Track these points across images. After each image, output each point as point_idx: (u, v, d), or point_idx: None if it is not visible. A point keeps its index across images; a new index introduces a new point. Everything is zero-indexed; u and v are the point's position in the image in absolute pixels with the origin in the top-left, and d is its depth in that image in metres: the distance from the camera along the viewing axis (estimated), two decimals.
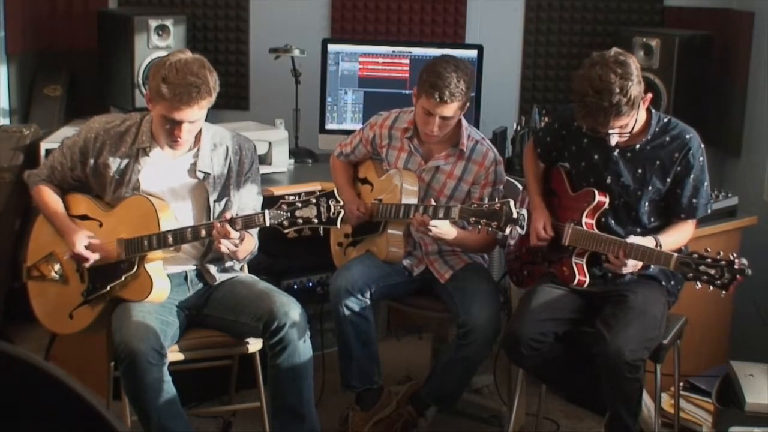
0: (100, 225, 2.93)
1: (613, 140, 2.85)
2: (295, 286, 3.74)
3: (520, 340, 2.90)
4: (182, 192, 2.94)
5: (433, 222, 3.01)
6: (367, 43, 4.24)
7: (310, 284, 3.78)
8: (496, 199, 2.91)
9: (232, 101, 4.58)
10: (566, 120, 3.07)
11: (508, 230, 2.84)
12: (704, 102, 3.96)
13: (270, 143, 3.86)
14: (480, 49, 4.06)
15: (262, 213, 2.71)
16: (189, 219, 2.93)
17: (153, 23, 4.07)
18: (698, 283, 2.67)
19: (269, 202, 2.95)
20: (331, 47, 4.11)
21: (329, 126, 4.14)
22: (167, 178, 2.92)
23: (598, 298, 3.00)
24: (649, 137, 2.93)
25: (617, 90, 2.71)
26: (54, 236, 2.99)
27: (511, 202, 2.83)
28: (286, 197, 2.72)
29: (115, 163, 2.91)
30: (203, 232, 2.78)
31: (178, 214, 2.90)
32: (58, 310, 2.98)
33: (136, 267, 2.82)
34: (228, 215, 2.76)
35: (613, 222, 2.98)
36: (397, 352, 3.70)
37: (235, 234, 2.73)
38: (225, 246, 2.76)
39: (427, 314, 3.47)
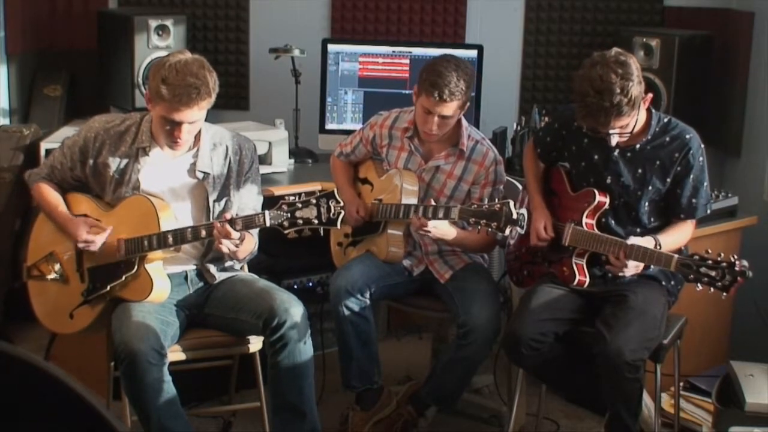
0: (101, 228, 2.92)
1: (614, 140, 2.85)
2: (295, 286, 3.74)
3: (520, 340, 2.90)
4: (182, 192, 2.94)
5: (432, 223, 3.01)
6: (367, 43, 4.24)
7: (310, 284, 3.78)
8: (496, 200, 2.91)
9: (232, 101, 4.58)
10: (566, 120, 3.07)
11: (507, 231, 2.85)
12: (704, 102, 3.96)
13: (270, 143, 3.86)
14: (480, 49, 4.06)
15: (262, 213, 2.71)
16: (189, 219, 2.93)
17: (153, 23, 4.07)
18: (699, 284, 2.67)
19: (269, 202, 2.95)
20: (331, 47, 4.11)
21: (329, 126, 4.14)
22: (167, 178, 2.92)
23: (598, 298, 3.00)
24: (649, 137, 2.93)
25: (618, 90, 2.71)
26: (54, 236, 2.99)
27: (511, 203, 2.83)
28: (286, 198, 2.72)
29: (114, 163, 2.91)
30: (203, 233, 2.78)
31: (177, 214, 2.90)
32: (59, 309, 2.98)
33: (136, 267, 2.82)
34: (228, 215, 2.76)
35: (613, 222, 2.98)
36: (397, 352, 3.70)
37: (235, 234, 2.73)
38: (225, 246, 2.76)
39: (427, 314, 3.47)
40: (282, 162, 3.90)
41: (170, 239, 2.78)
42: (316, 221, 2.68)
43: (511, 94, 4.53)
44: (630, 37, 3.95)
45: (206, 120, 2.90)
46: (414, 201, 3.19)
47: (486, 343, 3.09)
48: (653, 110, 2.94)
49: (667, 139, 2.92)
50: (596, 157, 2.98)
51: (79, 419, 1.04)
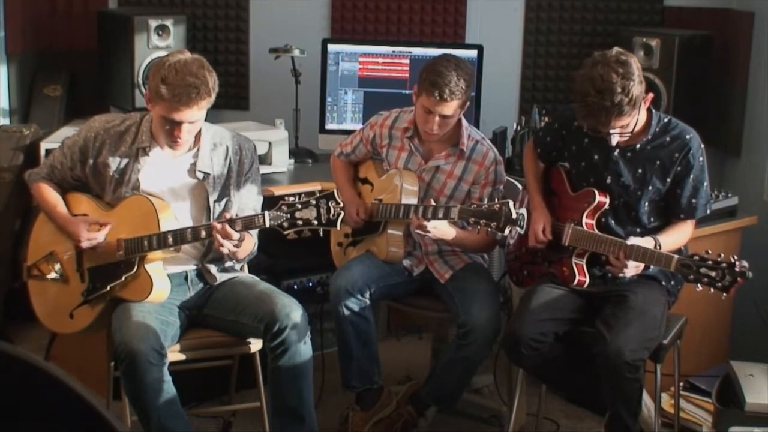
0: (101, 225, 2.92)
1: (614, 140, 2.85)
2: (295, 286, 3.73)
3: (520, 340, 2.90)
4: (182, 192, 2.94)
5: (431, 223, 3.01)
6: (367, 43, 4.24)
7: (310, 284, 3.78)
8: (496, 200, 2.91)
9: (232, 101, 4.58)
10: (566, 120, 3.07)
11: (507, 231, 2.85)
12: (704, 102, 3.96)
13: (270, 143, 3.86)
14: (480, 49, 4.06)
15: (261, 214, 2.71)
16: (189, 219, 2.93)
17: (153, 23, 4.07)
18: (699, 285, 2.67)
19: (269, 202, 2.95)
20: (331, 47, 4.11)
21: (329, 126, 4.14)
22: (167, 178, 2.92)
23: (598, 298, 3.00)
24: (649, 137, 2.93)
25: (619, 90, 2.71)
26: (54, 236, 2.99)
27: (511, 203, 2.83)
28: (286, 198, 2.72)
29: (114, 163, 2.91)
30: (203, 233, 2.78)
31: (178, 214, 2.90)
32: (59, 309, 2.98)
33: (136, 267, 2.82)
34: (228, 216, 2.76)
35: (613, 222, 2.98)
36: (397, 352, 3.70)
37: (235, 235, 2.73)
38: (225, 246, 2.76)
39: (427, 314, 3.47)
40: (282, 162, 3.90)
41: (170, 239, 2.78)
42: (315, 222, 2.68)
43: (511, 94, 4.53)
44: (630, 37, 3.95)
45: (206, 120, 2.90)
46: (414, 201, 3.19)
47: (486, 343, 3.09)
48: (653, 110, 2.94)
49: (667, 139, 2.92)
50: (596, 157, 2.98)
51: (79, 419, 1.04)
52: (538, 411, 3.42)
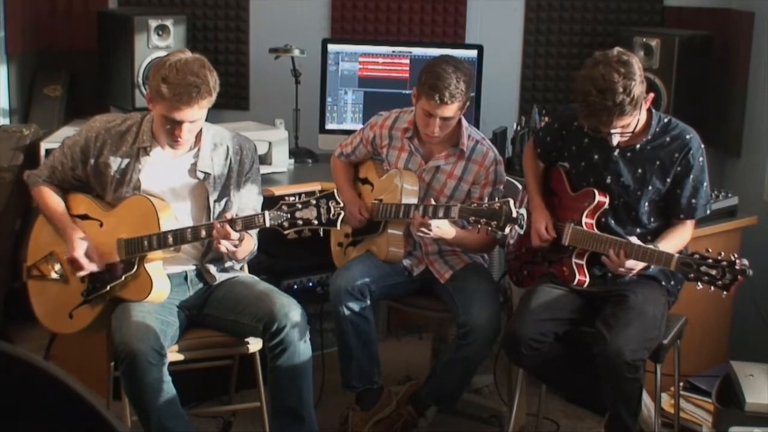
0: (101, 225, 2.93)
1: (615, 140, 2.85)
2: (295, 286, 3.73)
3: (520, 340, 2.90)
4: (182, 192, 2.94)
5: (434, 222, 3.01)
6: (367, 43, 4.24)
7: (310, 284, 3.78)
8: (496, 199, 2.91)
9: (232, 101, 4.58)
10: (566, 120, 3.07)
11: (507, 230, 2.84)
12: (704, 102, 3.96)
13: (270, 143, 3.86)
14: (480, 49, 4.06)
15: (261, 214, 2.71)
16: (189, 219, 2.93)
17: (153, 23, 4.07)
18: (699, 283, 2.67)
19: (269, 202, 2.95)
20: (331, 47, 4.11)
21: (329, 126, 4.14)
22: (168, 178, 2.92)
23: (598, 298, 3.00)
24: (649, 137, 2.93)
25: (620, 89, 2.71)
26: (54, 236, 2.99)
27: (511, 202, 2.83)
28: (286, 198, 2.72)
29: (115, 163, 2.91)
30: (203, 233, 2.78)
31: (178, 214, 2.90)
32: (58, 309, 2.98)
33: (136, 267, 2.82)
34: (228, 216, 2.76)
35: (613, 222, 2.98)
36: (397, 352, 3.70)
37: (234, 234, 2.73)
38: (224, 246, 2.76)
39: (427, 314, 3.47)
40: (282, 162, 3.90)
41: (170, 239, 2.78)
42: (315, 222, 2.68)
43: (511, 94, 4.53)
44: (630, 37, 3.95)
45: (206, 120, 2.90)
46: (414, 201, 3.19)
47: (486, 343, 3.09)
48: (653, 110, 2.94)
49: (667, 139, 2.92)
50: (596, 157, 2.98)
51: (79, 419, 1.04)
52: (538, 411, 3.42)
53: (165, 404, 2.71)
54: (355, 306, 3.13)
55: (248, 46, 4.60)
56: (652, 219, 2.98)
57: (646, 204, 2.96)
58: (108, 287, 2.86)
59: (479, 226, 2.87)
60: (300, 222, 2.68)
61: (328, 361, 3.46)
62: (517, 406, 3.19)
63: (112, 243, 2.86)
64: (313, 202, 2.68)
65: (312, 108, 4.15)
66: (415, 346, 3.75)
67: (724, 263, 2.63)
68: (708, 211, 3.01)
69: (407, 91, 3.84)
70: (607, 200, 2.97)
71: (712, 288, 2.65)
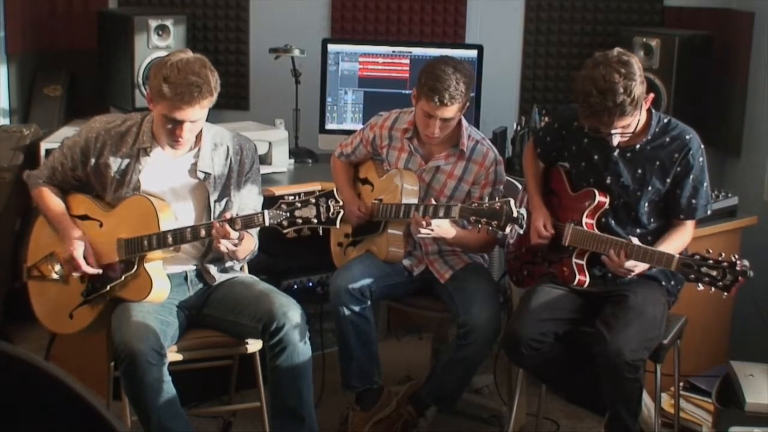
0: (101, 225, 2.93)
1: (616, 140, 2.85)
2: (295, 286, 3.73)
3: (520, 340, 2.90)
4: (183, 192, 2.94)
5: (434, 222, 3.01)
6: (367, 43, 4.24)
7: (310, 284, 3.78)
8: (497, 199, 2.91)
9: (232, 101, 4.58)
10: (566, 120, 3.07)
11: (508, 229, 2.84)
12: (704, 102, 3.96)
13: (270, 143, 3.86)
14: (480, 49, 4.06)
15: (261, 213, 2.71)
16: (189, 219, 2.93)
17: (153, 23, 4.07)
18: (700, 284, 2.67)
19: (269, 202, 2.95)
20: (331, 47, 4.11)
21: (329, 126, 4.14)
22: (168, 178, 2.92)
23: (598, 298, 3.00)
24: (649, 137, 2.93)
25: (621, 90, 2.71)
26: (54, 236, 2.98)
27: (511, 202, 2.83)
28: (286, 197, 2.72)
29: (115, 163, 2.91)
30: (203, 232, 2.78)
31: (178, 214, 2.90)
32: (58, 309, 2.98)
33: (135, 267, 2.82)
34: (228, 215, 2.76)
35: (613, 222, 2.98)
36: (397, 352, 3.70)
37: (234, 234, 2.73)
38: (224, 246, 2.76)
39: (427, 314, 3.47)
40: (282, 162, 3.90)
41: (170, 239, 2.78)
42: (315, 221, 2.68)
43: (511, 94, 4.53)
44: (630, 37, 3.95)
45: (206, 120, 2.90)
46: (414, 201, 3.19)
47: (486, 343, 3.09)
48: (653, 110, 2.94)
49: (667, 139, 2.92)
50: (596, 157, 2.98)
51: (79, 419, 1.04)
52: (538, 411, 3.42)
53: (165, 404, 2.71)
54: (355, 306, 3.13)
55: (248, 46, 4.60)
56: (652, 219, 2.98)
57: (646, 204, 2.96)
58: (108, 287, 2.86)
59: (480, 226, 2.87)
60: (299, 221, 2.68)
61: (328, 361, 3.46)
62: (517, 406, 3.19)
63: (112, 243, 2.86)
64: (313, 200, 2.68)
65: (312, 108, 4.15)
66: (415, 346, 3.75)
67: (725, 264, 2.63)
68: (708, 212, 3.01)
69: (407, 91, 3.84)
70: (607, 200, 2.97)
71: (713, 289, 2.65)
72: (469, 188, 3.25)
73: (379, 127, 3.35)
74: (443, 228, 3.05)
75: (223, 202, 2.95)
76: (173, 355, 2.85)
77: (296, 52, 4.11)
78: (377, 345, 3.27)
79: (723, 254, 2.66)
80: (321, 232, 2.80)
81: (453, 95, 3.03)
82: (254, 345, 2.97)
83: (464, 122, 3.25)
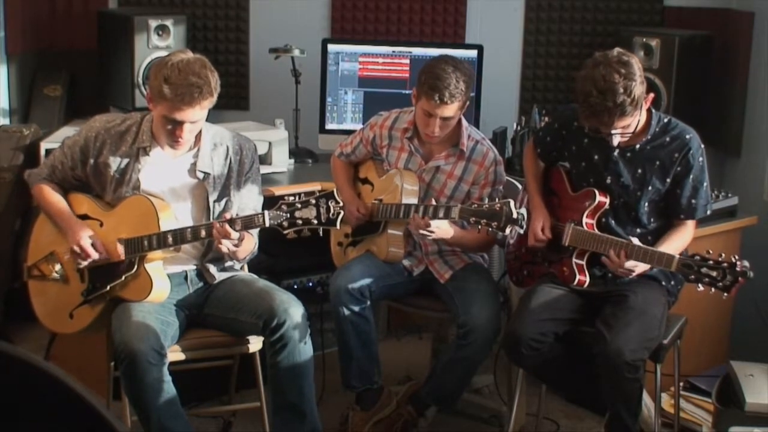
0: (101, 224, 2.93)
1: (616, 140, 2.85)
2: (295, 286, 3.74)
3: (520, 340, 2.90)
4: (182, 192, 2.94)
5: (434, 223, 3.01)
6: (367, 43, 4.24)
7: (310, 284, 3.78)
8: (496, 199, 2.91)
9: (232, 101, 4.58)
10: (566, 120, 3.07)
11: (508, 230, 2.85)
12: (704, 102, 3.96)
13: (270, 143, 3.86)
14: (480, 49, 4.06)
15: (261, 214, 2.71)
16: (189, 219, 2.93)
17: (153, 23, 4.07)
18: (700, 285, 2.67)
19: (269, 202, 2.95)
20: (331, 47, 4.11)
21: (329, 126, 4.14)
22: (167, 178, 2.92)
23: (598, 298, 3.00)
24: (649, 137, 2.93)
25: (621, 90, 2.70)
26: (55, 236, 2.99)
27: (511, 202, 2.83)
28: (286, 198, 2.72)
29: (115, 163, 2.91)
30: (203, 233, 2.78)
31: (178, 214, 2.90)
32: (59, 309, 2.98)
33: (136, 267, 2.82)
34: (228, 215, 2.77)
35: (613, 222, 2.98)
36: (397, 352, 3.70)
37: (234, 234, 2.73)
38: (225, 246, 2.76)
39: (427, 314, 3.47)
40: (282, 162, 3.90)
41: (170, 239, 2.78)
42: (315, 221, 2.68)
43: (511, 94, 4.53)
44: (630, 37, 3.95)
45: (206, 120, 2.90)
46: (414, 201, 3.19)
47: (486, 343, 3.09)
48: (653, 110, 2.94)
49: (667, 139, 2.92)
50: (596, 157, 2.98)
51: (79, 419, 1.04)
52: (538, 411, 3.42)
53: (165, 404, 2.71)
54: (355, 306, 3.13)
55: (248, 46, 4.60)
56: (652, 219, 2.98)
57: (646, 204, 2.96)
58: (108, 287, 2.86)
59: (479, 226, 2.87)
60: (299, 222, 2.68)
61: (328, 361, 3.46)
62: (517, 406, 3.19)
63: (112, 243, 2.86)
64: (313, 201, 2.68)
65: (312, 108, 4.15)
66: (415, 346, 3.74)
67: (725, 265, 2.63)
68: (708, 212, 3.01)
69: (407, 91, 3.84)
70: (607, 200, 2.97)
71: (713, 290, 2.65)
72: (469, 188, 3.25)
73: (379, 127, 3.35)
74: (443, 229, 3.05)
75: (223, 202, 2.95)
76: (174, 355, 2.85)
77: (296, 52, 4.11)
78: (377, 345, 3.27)
79: (723, 255, 2.66)
80: (321, 232, 2.80)
81: (453, 93, 3.03)
82: (255, 344, 2.97)
83: (464, 122, 3.25)
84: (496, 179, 3.25)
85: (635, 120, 2.82)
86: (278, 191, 3.56)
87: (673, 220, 2.98)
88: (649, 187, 2.93)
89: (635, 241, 2.83)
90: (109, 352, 2.87)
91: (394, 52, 4.10)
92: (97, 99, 4.31)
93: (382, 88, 4.10)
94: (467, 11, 4.49)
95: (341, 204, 2.70)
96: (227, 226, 2.72)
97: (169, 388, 2.73)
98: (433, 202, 3.07)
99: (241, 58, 4.61)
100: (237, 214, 2.81)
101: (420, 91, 3.10)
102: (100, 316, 2.89)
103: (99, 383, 2.94)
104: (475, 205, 2.90)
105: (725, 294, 2.65)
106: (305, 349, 2.87)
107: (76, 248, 2.86)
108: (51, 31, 4.52)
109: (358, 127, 3.61)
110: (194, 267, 3.00)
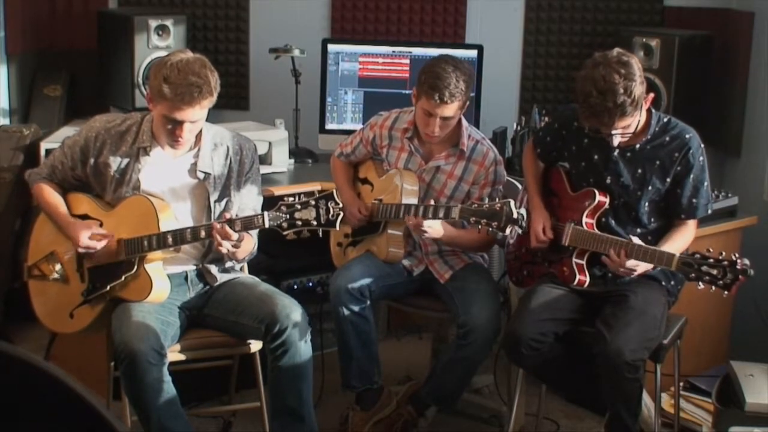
0: (101, 225, 2.93)
1: (616, 141, 2.84)
2: (295, 287, 3.74)
3: (520, 340, 2.90)
4: (182, 192, 2.94)
5: (426, 222, 3.01)
6: (367, 43, 4.24)
7: (310, 284, 3.78)
8: (497, 199, 2.91)
9: (232, 101, 4.58)
10: (566, 120, 3.07)
11: (508, 230, 2.85)
12: (704, 102, 3.96)
13: (270, 143, 3.86)
14: (480, 49, 4.06)
15: (261, 215, 2.71)
16: (189, 219, 2.93)
17: (153, 23, 4.07)
18: (700, 283, 2.67)
19: (269, 202, 2.95)
20: (331, 47, 4.11)
21: (329, 126, 4.14)
22: (168, 178, 2.92)
23: (598, 298, 3.00)
24: (648, 137, 2.93)
25: (621, 91, 2.70)
26: (55, 236, 2.99)
27: (512, 202, 2.83)
28: (286, 199, 2.72)
29: (115, 163, 2.91)
30: (202, 233, 2.78)
31: (178, 214, 2.90)
32: (59, 309, 2.98)
33: (135, 267, 2.82)
34: (227, 216, 2.76)
35: (613, 222, 2.98)
36: (397, 352, 3.70)
37: (234, 235, 2.73)
38: (224, 246, 2.76)
39: (427, 314, 3.47)
40: (282, 162, 3.90)
41: (170, 239, 2.78)
42: (314, 223, 2.68)
43: (511, 94, 4.53)
44: (630, 37, 3.95)
45: (206, 120, 2.91)
46: (414, 201, 3.19)
47: (486, 343, 3.09)
48: (653, 110, 2.94)
49: (667, 138, 2.92)
50: (596, 157, 2.98)
51: (79, 419, 1.04)
52: (538, 411, 3.42)
53: (165, 404, 2.71)
54: (355, 306, 3.13)
55: (248, 46, 4.60)
56: (652, 219, 2.98)
57: (646, 204, 2.96)
58: (108, 287, 2.86)
59: (480, 226, 2.87)
60: (299, 223, 2.68)
61: (328, 361, 3.46)
62: (517, 406, 3.19)
63: (111, 243, 2.86)
64: (312, 202, 2.68)
65: (312, 108, 4.15)
66: (415, 346, 3.74)
67: (725, 263, 2.63)
68: (709, 211, 3.01)
69: (407, 91, 3.84)
70: (607, 200, 2.97)
71: (713, 288, 2.65)
72: (469, 188, 3.25)
73: (379, 127, 3.35)
74: (434, 228, 3.05)
75: (223, 202, 2.95)
76: (174, 355, 2.85)
77: (296, 52, 4.11)
78: (377, 345, 3.27)
79: (723, 253, 2.66)
80: (321, 234, 2.80)
81: (453, 93, 3.03)
82: (256, 345, 2.97)
83: (464, 122, 3.25)
84: (496, 179, 3.25)
85: (635, 120, 2.82)
86: (278, 191, 3.56)
87: (674, 220, 2.98)
88: (649, 187, 2.93)
89: (635, 240, 2.83)
90: (109, 352, 2.87)
91: (394, 52, 4.10)
92: (97, 99, 4.31)
93: (382, 88, 4.10)
94: (467, 11, 4.49)
95: (341, 205, 2.70)
96: (226, 227, 2.72)
97: (169, 388, 2.73)
98: (433, 202, 3.07)
99: (241, 58, 4.61)
100: (237, 215, 2.81)
101: (420, 90, 3.10)
102: (100, 316, 2.89)
103: (99, 383, 2.94)
104: (476, 205, 2.90)
105: (726, 292, 2.65)
106: (305, 352, 2.87)
107: (81, 251, 2.87)
108: (51, 31, 4.52)
109: (358, 127, 3.61)
110: (194, 267, 2.99)
